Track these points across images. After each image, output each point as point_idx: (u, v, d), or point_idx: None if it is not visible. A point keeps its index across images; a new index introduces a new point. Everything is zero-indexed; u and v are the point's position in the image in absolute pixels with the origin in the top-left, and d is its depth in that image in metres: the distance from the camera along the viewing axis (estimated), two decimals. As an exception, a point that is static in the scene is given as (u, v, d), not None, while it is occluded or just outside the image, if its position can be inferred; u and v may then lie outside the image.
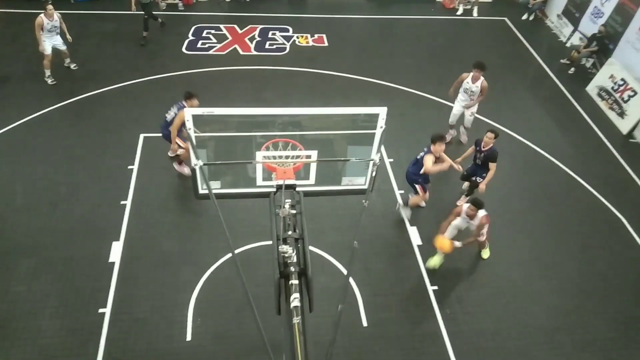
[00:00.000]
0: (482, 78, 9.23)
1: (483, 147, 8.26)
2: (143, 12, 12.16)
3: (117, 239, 7.79)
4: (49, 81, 10.63)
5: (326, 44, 13.19)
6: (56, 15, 10.38)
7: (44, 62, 10.63)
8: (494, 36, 14.45)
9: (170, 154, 8.57)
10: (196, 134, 4.74)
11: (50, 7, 10.21)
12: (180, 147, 8.27)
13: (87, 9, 13.60)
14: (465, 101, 9.58)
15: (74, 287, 7.13)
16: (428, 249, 8.04)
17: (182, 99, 8.10)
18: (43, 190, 8.49)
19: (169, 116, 8.23)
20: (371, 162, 5.16)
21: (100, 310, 6.87)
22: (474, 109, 9.69)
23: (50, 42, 10.54)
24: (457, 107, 9.74)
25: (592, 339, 7.13)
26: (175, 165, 8.75)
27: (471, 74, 9.31)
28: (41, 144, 9.35)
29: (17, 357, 6.33)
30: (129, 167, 9.00)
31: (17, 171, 8.77)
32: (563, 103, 11.86)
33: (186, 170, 8.59)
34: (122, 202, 8.35)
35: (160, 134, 8.47)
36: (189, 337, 6.68)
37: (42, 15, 10.20)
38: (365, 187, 5.48)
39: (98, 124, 9.86)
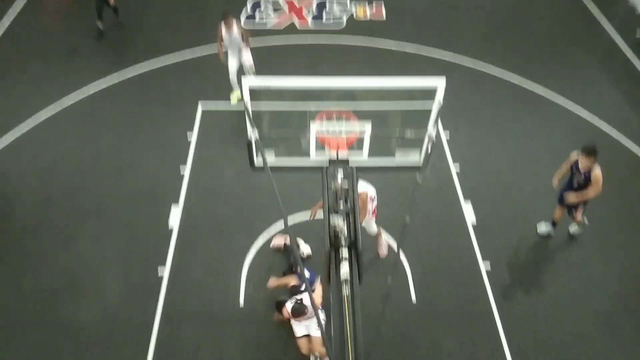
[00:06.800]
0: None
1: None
2: None
3: (176, 206, 8.11)
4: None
5: (384, 16, 12.90)
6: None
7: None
8: (563, 6, 13.62)
9: None
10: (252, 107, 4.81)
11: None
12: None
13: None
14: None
15: (135, 250, 7.52)
16: (483, 228, 7.89)
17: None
18: (108, 157, 8.92)
19: None
20: (427, 138, 5.06)
21: (160, 273, 7.23)
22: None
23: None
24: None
25: (655, 326, 6.82)
26: None
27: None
28: (107, 114, 9.77)
29: (83, 312, 6.79)
30: (188, 137, 9.29)
31: (85, 140, 9.24)
32: (637, 81, 11.11)
33: None
34: (181, 171, 8.65)
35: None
36: (242, 303, 6.93)
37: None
38: (420, 163, 5.40)
39: (159, 95, 10.16)
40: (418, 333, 6.70)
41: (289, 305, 5.59)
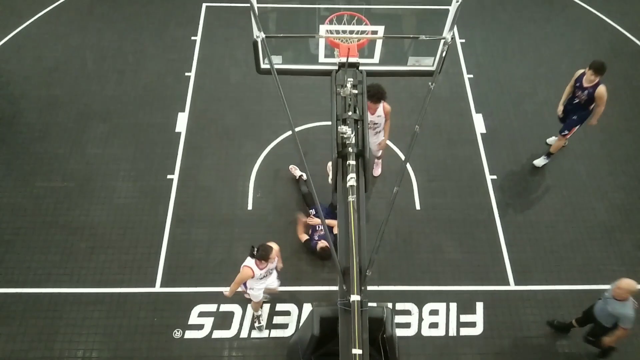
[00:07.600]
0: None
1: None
2: None
3: (183, 110, 8.02)
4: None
5: None
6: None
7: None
8: None
9: None
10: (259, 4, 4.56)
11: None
12: None
13: None
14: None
15: (143, 153, 7.56)
16: (491, 139, 7.81)
17: None
18: (111, 58, 8.69)
19: None
20: (442, 41, 4.83)
21: (169, 177, 7.32)
22: None
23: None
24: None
25: (654, 239, 6.95)
26: None
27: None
28: (107, 11, 9.37)
29: (95, 213, 6.98)
30: (192, 37, 8.96)
31: (87, 39, 8.95)
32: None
33: None
34: (187, 74, 8.46)
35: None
36: (250, 207, 7.07)
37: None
38: (433, 68, 5.21)
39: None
40: (420, 238, 6.88)
41: (252, 260, 5.44)
